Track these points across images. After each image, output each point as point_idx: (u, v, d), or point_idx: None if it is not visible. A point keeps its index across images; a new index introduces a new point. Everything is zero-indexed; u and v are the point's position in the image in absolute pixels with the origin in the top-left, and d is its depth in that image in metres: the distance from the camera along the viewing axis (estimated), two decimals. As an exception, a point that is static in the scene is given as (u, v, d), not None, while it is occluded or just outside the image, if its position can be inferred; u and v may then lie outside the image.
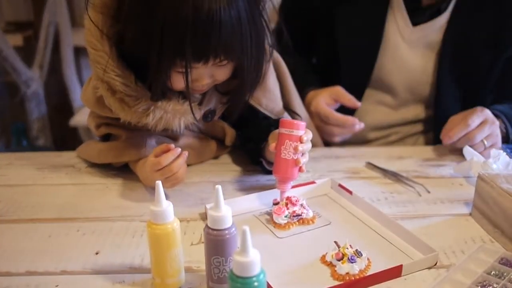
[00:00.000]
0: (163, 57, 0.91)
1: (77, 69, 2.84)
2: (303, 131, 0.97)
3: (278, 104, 1.17)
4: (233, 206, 0.91)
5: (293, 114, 1.22)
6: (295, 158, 0.96)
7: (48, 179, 1.14)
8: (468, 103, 1.26)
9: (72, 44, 2.74)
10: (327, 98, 1.29)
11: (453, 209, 1.00)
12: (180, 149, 0.96)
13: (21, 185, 1.11)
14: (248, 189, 1.07)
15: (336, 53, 1.36)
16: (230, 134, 1.21)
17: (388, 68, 1.34)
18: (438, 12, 1.27)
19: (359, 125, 1.24)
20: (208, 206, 0.92)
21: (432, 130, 1.39)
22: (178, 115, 1.01)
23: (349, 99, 1.28)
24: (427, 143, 1.41)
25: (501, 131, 1.21)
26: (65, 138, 2.95)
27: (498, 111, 1.22)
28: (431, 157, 1.23)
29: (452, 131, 1.15)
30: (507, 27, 1.25)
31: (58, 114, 2.89)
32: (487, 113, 1.17)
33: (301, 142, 0.96)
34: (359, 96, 1.34)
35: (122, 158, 1.12)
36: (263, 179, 1.12)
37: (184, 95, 1.01)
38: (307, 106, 1.30)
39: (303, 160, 0.97)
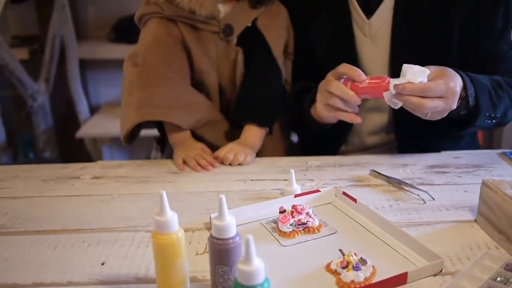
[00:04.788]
0: None
1: (82, 81, 2.86)
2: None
3: (281, 44, 1.38)
4: (239, 215, 0.93)
5: (288, 55, 1.41)
6: None
7: (54, 191, 1.14)
8: None
9: (77, 57, 2.76)
10: (332, 75, 1.20)
11: (458, 215, 0.99)
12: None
13: (26, 197, 1.12)
14: (254, 199, 1.08)
15: (319, 69, 1.33)
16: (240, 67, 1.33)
17: (364, 70, 1.33)
18: None
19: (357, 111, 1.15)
20: (212, 215, 0.93)
21: None
22: (205, 2, 1.24)
23: (358, 75, 1.14)
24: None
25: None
26: (71, 150, 2.97)
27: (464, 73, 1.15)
28: (435, 164, 1.23)
29: (409, 87, 1.04)
30: None
31: (65, 127, 2.91)
32: (458, 89, 1.08)
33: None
34: None
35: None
36: (269, 188, 1.12)
37: None
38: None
39: None
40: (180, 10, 1.26)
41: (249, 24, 1.33)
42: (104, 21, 2.87)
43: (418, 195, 1.07)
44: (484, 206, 0.94)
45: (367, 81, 1.12)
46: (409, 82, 1.05)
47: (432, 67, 1.09)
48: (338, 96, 1.13)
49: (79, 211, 1.05)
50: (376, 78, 1.11)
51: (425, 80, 1.06)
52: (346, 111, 1.15)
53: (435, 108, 1.07)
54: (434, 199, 1.05)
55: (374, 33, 1.31)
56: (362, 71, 1.28)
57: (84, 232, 0.96)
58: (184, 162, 1.25)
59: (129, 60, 1.31)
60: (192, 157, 1.25)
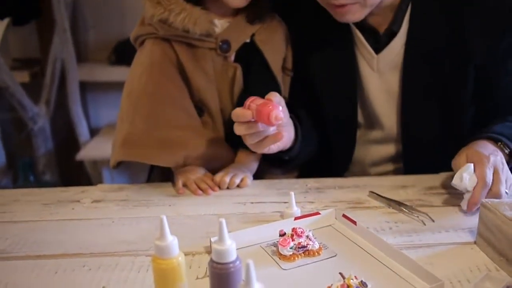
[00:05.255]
0: None
1: (83, 104, 2.88)
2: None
3: (280, 60, 1.36)
4: (239, 238, 0.93)
5: (286, 71, 1.39)
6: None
7: (54, 215, 1.15)
8: (446, 121, 1.25)
9: (78, 80, 2.78)
10: None
11: (458, 237, 0.99)
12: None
13: (27, 221, 1.12)
14: (254, 221, 1.08)
15: (318, 101, 1.37)
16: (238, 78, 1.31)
17: (368, 103, 1.35)
18: (393, 34, 1.28)
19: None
20: (213, 239, 0.93)
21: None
22: (198, 20, 1.23)
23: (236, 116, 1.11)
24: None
25: (504, 153, 1.14)
26: (71, 173, 2.98)
27: (499, 135, 1.16)
28: (434, 185, 1.23)
29: (475, 198, 1.05)
30: (465, 32, 1.23)
31: (65, 149, 2.92)
32: (494, 160, 1.09)
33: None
34: (352, 138, 1.37)
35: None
36: (268, 210, 1.13)
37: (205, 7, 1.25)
38: None
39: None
40: (174, 29, 1.25)
41: (247, 40, 1.32)
42: (104, 44, 2.90)
43: (418, 216, 1.07)
44: (484, 227, 0.94)
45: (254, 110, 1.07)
46: (472, 192, 1.06)
47: (463, 159, 1.10)
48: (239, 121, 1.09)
49: (80, 235, 1.05)
50: (262, 107, 1.05)
51: (472, 171, 1.07)
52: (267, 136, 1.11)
53: (503, 182, 1.06)
54: (433, 221, 1.05)
55: (382, 68, 1.31)
56: (368, 104, 1.32)
57: (84, 256, 0.96)
58: (185, 186, 1.25)
59: (127, 84, 1.31)
60: (193, 181, 1.24)
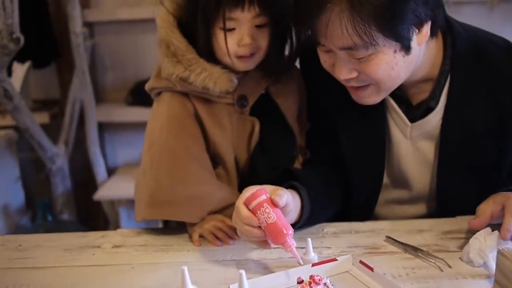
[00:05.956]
0: (207, 10, 1.18)
1: (100, 143, 2.92)
2: (265, 194, 1.05)
3: (295, 110, 1.36)
4: (258, 285, 0.94)
5: (302, 122, 1.39)
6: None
7: (75, 260, 1.16)
8: (484, 190, 1.22)
9: (96, 120, 2.83)
10: None
11: (475, 284, 1.00)
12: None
13: (49, 267, 1.14)
14: (272, 267, 1.09)
15: (342, 156, 1.35)
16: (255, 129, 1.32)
17: (397, 166, 1.33)
18: (430, 109, 1.25)
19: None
20: (232, 286, 0.94)
21: None
22: (218, 79, 1.23)
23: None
24: None
25: None
26: (89, 212, 3.00)
27: None
28: (451, 229, 1.23)
29: (507, 224, 1.05)
30: (506, 110, 1.21)
31: (83, 189, 2.96)
32: None
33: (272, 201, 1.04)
34: (374, 198, 1.36)
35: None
36: (286, 256, 1.13)
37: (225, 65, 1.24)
38: None
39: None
40: (193, 86, 1.25)
41: (263, 92, 1.33)
42: (122, 85, 2.95)
43: (434, 262, 1.07)
44: (501, 275, 0.94)
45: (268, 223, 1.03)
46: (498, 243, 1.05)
47: (490, 203, 1.13)
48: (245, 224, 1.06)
49: (100, 282, 1.06)
50: (275, 230, 1.03)
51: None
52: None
53: None
54: (450, 266, 1.06)
55: (416, 136, 1.28)
56: (397, 167, 1.31)
57: (105, 303, 0.98)
58: (201, 236, 1.24)
59: (147, 136, 1.32)
60: (209, 231, 1.23)
